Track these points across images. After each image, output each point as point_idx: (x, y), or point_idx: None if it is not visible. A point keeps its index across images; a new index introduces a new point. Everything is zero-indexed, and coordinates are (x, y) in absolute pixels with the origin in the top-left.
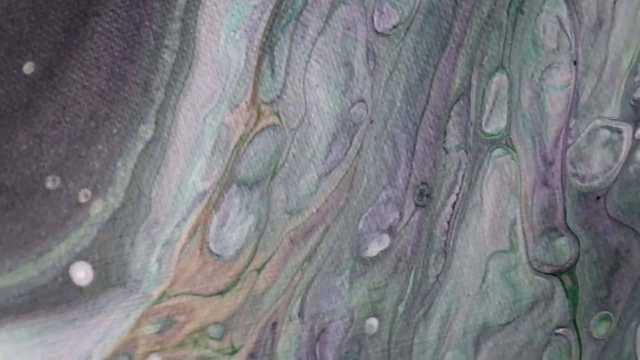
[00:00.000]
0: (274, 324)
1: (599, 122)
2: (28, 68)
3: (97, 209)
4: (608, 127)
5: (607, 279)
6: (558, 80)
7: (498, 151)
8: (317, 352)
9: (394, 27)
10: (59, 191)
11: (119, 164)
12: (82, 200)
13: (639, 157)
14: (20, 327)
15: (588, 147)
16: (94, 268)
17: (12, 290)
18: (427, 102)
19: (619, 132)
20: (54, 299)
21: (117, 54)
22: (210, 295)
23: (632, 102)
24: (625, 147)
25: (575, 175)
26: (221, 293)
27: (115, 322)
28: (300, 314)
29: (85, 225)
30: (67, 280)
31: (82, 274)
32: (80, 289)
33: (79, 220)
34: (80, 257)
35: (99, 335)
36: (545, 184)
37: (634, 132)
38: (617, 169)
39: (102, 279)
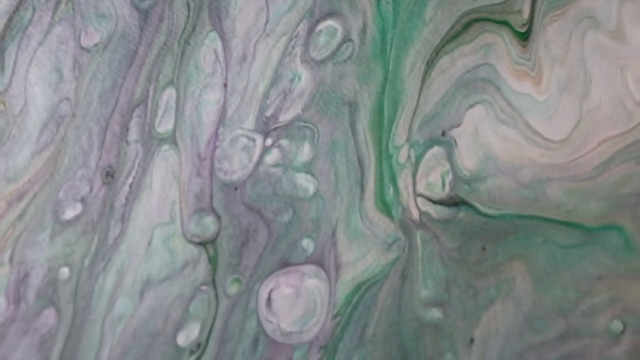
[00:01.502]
0: None
1: (239, 131)
2: None
3: None
4: (246, 136)
5: (239, 250)
6: (212, 97)
7: (165, 146)
8: (21, 291)
9: (95, 45)
10: None
11: None
12: None
13: (266, 160)
14: None
15: (230, 149)
16: None
17: None
18: (116, 104)
19: (254, 140)
20: None
21: None
22: None
23: (264, 119)
24: (257, 152)
25: (220, 169)
26: None
27: None
28: (10, 260)
29: None
30: None
31: None
32: None
33: None
34: None
35: None
36: (199, 174)
37: (264, 141)
38: (251, 167)
39: None
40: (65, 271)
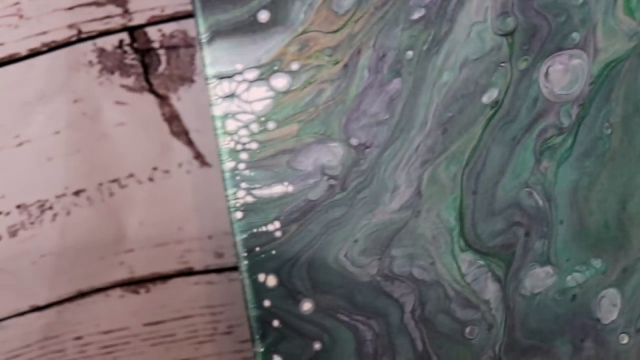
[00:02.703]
0: (359, 50)
1: None
2: None
3: None
4: None
5: (529, 39)
6: None
7: None
8: (379, 66)
9: None
10: None
11: None
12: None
13: None
14: (225, 41)
15: None
16: (270, 12)
17: (224, 22)
18: None
19: None
20: (246, 28)
21: None
22: (328, 32)
23: None
24: None
25: None
26: (334, 32)
27: (273, 49)
28: (374, 46)
29: None
30: (255, 19)
31: (263, 15)
32: (261, 24)
33: None
34: (264, 8)
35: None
36: None
37: None
38: None
39: (273, 19)
40: (410, 53)
